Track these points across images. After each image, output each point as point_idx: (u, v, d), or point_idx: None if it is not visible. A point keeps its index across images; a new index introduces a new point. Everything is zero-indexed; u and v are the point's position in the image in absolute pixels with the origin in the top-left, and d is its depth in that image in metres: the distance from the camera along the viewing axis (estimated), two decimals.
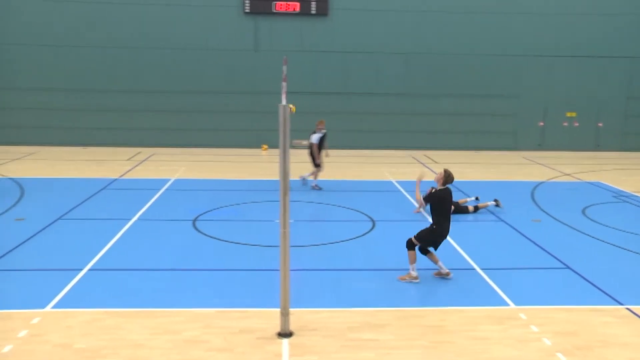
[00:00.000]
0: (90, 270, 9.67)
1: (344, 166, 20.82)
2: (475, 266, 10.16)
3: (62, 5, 24.04)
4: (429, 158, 23.24)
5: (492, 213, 14.08)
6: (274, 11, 24.45)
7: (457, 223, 13.02)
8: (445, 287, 9.25)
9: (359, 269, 9.98)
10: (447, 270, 9.50)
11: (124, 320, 7.78)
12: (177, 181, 17.42)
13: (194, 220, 12.93)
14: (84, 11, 24.09)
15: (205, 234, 11.93)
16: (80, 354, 6.87)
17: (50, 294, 8.56)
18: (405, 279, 9.42)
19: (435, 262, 9.52)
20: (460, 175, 19.09)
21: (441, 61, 25.28)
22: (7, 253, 10.50)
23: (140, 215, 13.28)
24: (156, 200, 14.90)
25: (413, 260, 9.36)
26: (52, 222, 12.55)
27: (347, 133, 25.03)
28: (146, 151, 23.49)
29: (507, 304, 8.52)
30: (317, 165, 16.22)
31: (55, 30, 24.17)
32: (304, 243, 11.24)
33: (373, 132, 25.42)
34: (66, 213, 13.35)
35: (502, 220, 13.41)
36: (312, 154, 16.04)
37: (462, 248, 11.17)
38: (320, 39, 24.88)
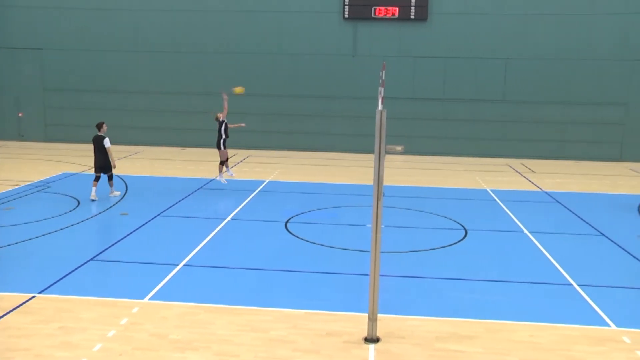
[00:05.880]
0: (185, 265, 10.08)
1: (438, 173, 20.54)
2: (571, 281, 9.69)
3: (166, 14, 25.29)
4: (527, 167, 22.43)
5: (592, 226, 13.39)
6: (373, 16, 24.48)
7: (554, 235, 12.54)
8: (538, 301, 8.88)
9: (449, 278, 9.78)
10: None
11: (215, 315, 8.04)
12: (271, 183, 17.83)
13: (286, 222, 13.16)
14: (191, 17, 25.22)
15: (297, 236, 12.11)
16: (173, 344, 7.17)
17: (148, 286, 9.01)
18: None
19: None
20: (559, 186, 18.36)
21: (542, 67, 24.36)
22: (112, 245, 11.16)
23: (234, 215, 13.69)
24: (250, 201, 15.32)
25: None
26: (152, 218, 13.20)
27: (442, 139, 24.83)
28: (242, 153, 24.18)
29: (607, 325, 8.04)
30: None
31: (160, 37, 25.45)
32: (394, 249, 11.16)
33: (469, 139, 24.88)
34: (165, 210, 14.00)
35: (603, 235, 12.71)
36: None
37: (557, 261, 10.69)
38: (419, 44, 24.65)
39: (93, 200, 14.75)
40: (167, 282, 9.28)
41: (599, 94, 24.37)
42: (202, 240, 11.54)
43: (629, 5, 23.86)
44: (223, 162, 16.57)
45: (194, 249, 11.00)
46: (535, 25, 24.24)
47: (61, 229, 12.19)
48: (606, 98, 24.39)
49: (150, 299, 8.57)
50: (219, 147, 16.40)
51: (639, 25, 23.89)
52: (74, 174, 18.64)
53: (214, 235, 12.02)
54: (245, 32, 25.21)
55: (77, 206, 14.20)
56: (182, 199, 15.25)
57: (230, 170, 16.80)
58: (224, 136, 16.28)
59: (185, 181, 17.75)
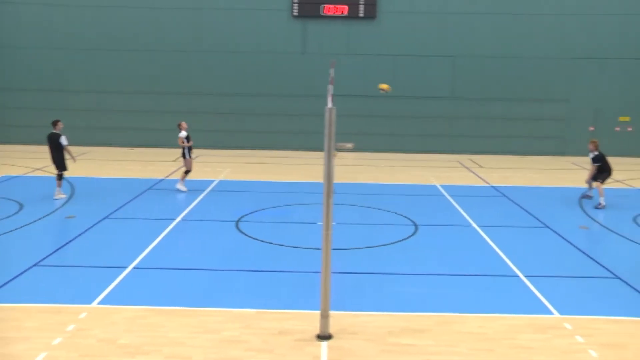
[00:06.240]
0: (134, 268, 9.89)
1: (388, 170, 20.76)
2: (518, 273, 9.96)
3: (111, 10, 24.77)
4: (475, 162, 22.93)
5: (537, 219, 13.79)
6: (322, 14, 24.55)
7: (501, 228, 12.85)
8: (486, 293, 9.10)
9: (400, 273, 9.92)
10: None
11: (166, 318, 7.92)
12: (221, 182, 17.69)
13: (237, 222, 13.08)
14: (138, 15, 24.76)
15: (248, 235, 12.05)
16: (122, 349, 7.02)
17: (96, 290, 8.79)
18: None
19: None
20: (506, 180, 18.82)
21: (488, 64, 24.94)
22: (58, 249, 10.86)
23: (184, 216, 13.52)
24: (200, 201, 15.15)
25: None
26: (100, 221, 12.90)
27: (392, 136, 25.10)
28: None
29: (551, 313, 8.31)
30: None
31: (105, 35, 24.91)
32: (346, 246, 11.22)
33: (419, 136, 25.24)
34: (113, 212, 13.71)
35: (547, 227, 13.11)
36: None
37: (504, 254, 10.97)
38: (368, 42, 24.87)
39: (57, 199, 14.78)
40: (115, 285, 9.08)
41: (542, 91, 25.12)
42: (152, 242, 11.34)
43: (567, 7, 24.68)
44: (187, 172, 16.35)
45: (144, 251, 10.80)
46: (481, 24, 24.79)
47: (2, 234, 11.78)
48: (549, 95, 25.16)
49: (98, 303, 8.37)
50: (183, 156, 16.33)
51: (578, 25, 24.73)
52: (14, 176, 18.04)
53: (164, 236, 11.83)
54: (192, 30, 24.91)
55: (20, 210, 13.75)
56: (131, 200, 14.96)
57: (183, 183, 16.35)
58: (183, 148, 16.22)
59: (134, 182, 17.42)
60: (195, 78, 25.12)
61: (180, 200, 15.23)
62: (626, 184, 18.58)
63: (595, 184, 15.53)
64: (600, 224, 13.68)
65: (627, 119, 25.35)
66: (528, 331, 7.71)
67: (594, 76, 25.10)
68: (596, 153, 15.50)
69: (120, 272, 9.62)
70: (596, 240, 12.72)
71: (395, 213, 14.18)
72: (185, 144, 16.11)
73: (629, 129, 25.32)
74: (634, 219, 13.97)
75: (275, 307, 8.31)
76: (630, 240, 12.22)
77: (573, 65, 24.99)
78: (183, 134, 16.10)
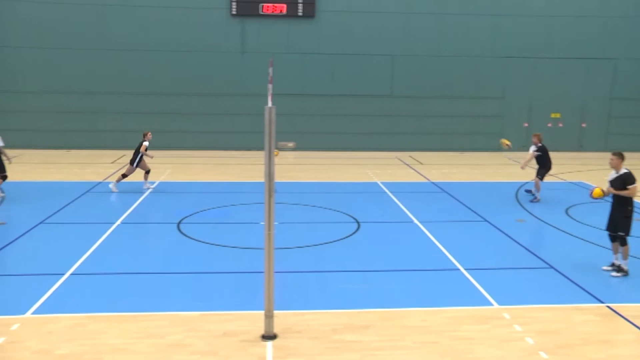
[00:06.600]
0: (72, 274, 9.58)
1: (329, 168, 20.87)
2: (459, 266, 10.20)
3: (54, 7, 23.92)
4: (415, 159, 23.33)
5: (476, 213, 14.15)
6: (261, 13, 24.46)
7: (442, 224, 13.12)
8: (428, 287, 9.28)
9: (343, 271, 9.98)
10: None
11: (107, 324, 7.71)
12: (162, 184, 17.37)
13: (179, 223, 12.87)
14: (75, 13, 24.02)
15: (190, 237, 11.88)
16: None
17: (30, 300, 8.45)
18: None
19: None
20: (445, 176, 19.23)
21: (426, 63, 25.44)
22: None
23: (123, 219, 13.20)
24: (140, 203, 14.84)
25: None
26: (34, 227, 12.43)
27: (332, 135, 25.28)
28: (130, 154, 23.29)
29: (491, 304, 8.55)
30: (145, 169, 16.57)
31: (44, 33, 24.06)
32: (288, 245, 11.22)
33: (359, 134, 25.49)
34: (48, 217, 13.24)
35: (486, 221, 13.48)
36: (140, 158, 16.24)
37: (446, 248, 11.21)
38: (307, 41, 24.95)
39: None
40: (52, 293, 8.76)
41: (478, 89, 25.82)
42: (91, 247, 11.01)
43: (502, 8, 25.45)
44: (124, 175, 16.31)
45: (82, 256, 10.47)
46: (419, 24, 25.24)
47: None
48: (484, 92, 25.88)
49: (32, 313, 8.05)
50: (131, 163, 16.28)
51: (512, 25, 25.54)
52: None
53: (103, 240, 11.51)
54: (129, 28, 24.34)
55: None
56: (68, 204, 14.49)
57: (117, 184, 16.18)
58: (136, 154, 16.22)
59: (71, 185, 16.87)
60: (132, 78, 24.56)
61: (119, 203, 14.86)
62: (559, 178, 19.30)
63: (534, 179, 15.93)
64: (536, 217, 14.16)
65: (558, 115, 26.40)
66: (469, 322, 7.91)
67: (527, 75, 25.99)
68: (540, 145, 15.87)
69: (57, 279, 9.29)
70: (532, 233, 13.17)
71: (337, 211, 14.27)
72: (146, 154, 16.12)
73: (560, 124, 26.36)
74: (566, 211, 14.54)
75: (219, 309, 8.23)
76: (563, 231, 12.71)
77: (507, 64, 25.79)
78: (147, 143, 16.14)
